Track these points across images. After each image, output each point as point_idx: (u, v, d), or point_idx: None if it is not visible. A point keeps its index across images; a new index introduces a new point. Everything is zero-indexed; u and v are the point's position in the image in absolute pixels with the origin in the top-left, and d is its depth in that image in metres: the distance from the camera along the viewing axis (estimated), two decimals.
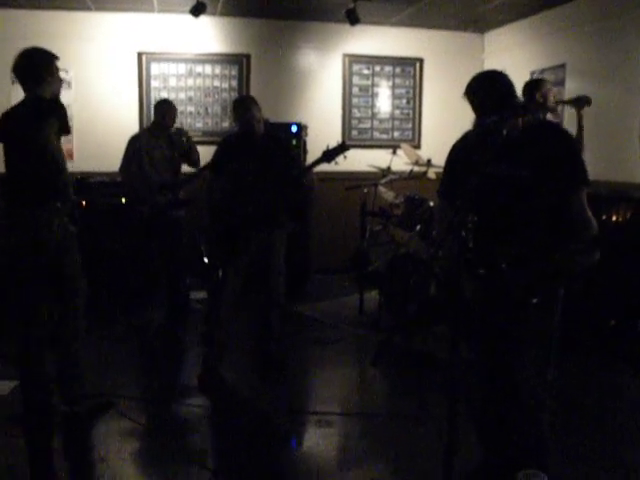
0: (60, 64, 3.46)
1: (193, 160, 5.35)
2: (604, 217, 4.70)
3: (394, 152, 5.90)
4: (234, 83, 7.27)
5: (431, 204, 5.28)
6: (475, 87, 2.49)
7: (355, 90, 7.65)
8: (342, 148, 3.82)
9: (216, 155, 4.34)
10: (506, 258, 2.27)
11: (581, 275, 2.39)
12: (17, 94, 3.41)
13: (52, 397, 3.46)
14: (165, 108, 5.28)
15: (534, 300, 2.30)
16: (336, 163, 3.83)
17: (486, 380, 2.59)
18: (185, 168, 5.39)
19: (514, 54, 7.13)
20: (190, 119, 7.18)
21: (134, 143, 5.20)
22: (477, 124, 2.43)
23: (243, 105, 4.14)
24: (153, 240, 5.27)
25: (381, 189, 5.82)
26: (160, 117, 5.26)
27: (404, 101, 7.75)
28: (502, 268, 2.26)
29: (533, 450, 2.52)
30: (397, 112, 7.72)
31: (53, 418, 3.45)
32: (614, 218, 4.67)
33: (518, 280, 2.29)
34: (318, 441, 3.43)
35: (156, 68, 7.04)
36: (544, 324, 2.44)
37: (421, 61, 7.73)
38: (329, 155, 3.83)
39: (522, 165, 2.36)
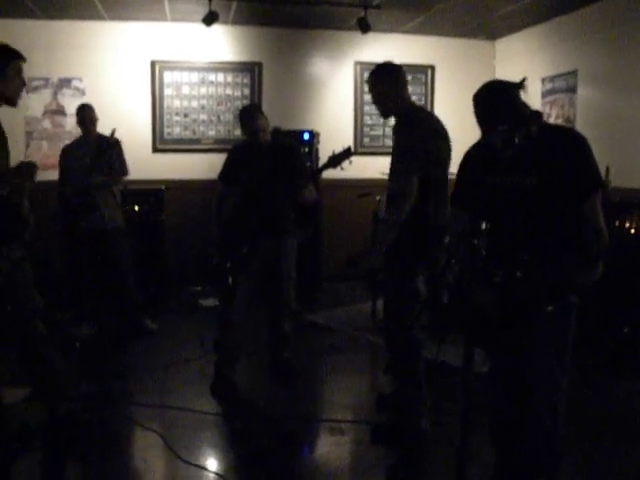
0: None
1: (114, 169, 5.24)
2: (617, 224, 4.68)
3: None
4: (246, 91, 7.30)
5: None
6: (478, 100, 2.48)
7: (367, 98, 7.57)
8: (347, 153, 3.83)
9: (225, 164, 4.36)
10: (520, 266, 2.26)
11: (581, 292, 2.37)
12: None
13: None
14: (81, 114, 5.26)
15: (549, 308, 2.28)
16: (342, 169, 3.83)
17: (501, 391, 2.57)
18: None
19: (525, 61, 7.12)
20: (203, 127, 7.22)
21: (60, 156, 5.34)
22: (487, 134, 2.41)
23: (248, 114, 4.16)
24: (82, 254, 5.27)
25: None
26: (79, 123, 5.28)
27: None
28: (516, 276, 2.24)
29: (544, 460, 2.50)
30: None
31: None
32: (627, 225, 4.65)
33: (532, 288, 2.28)
34: (330, 448, 3.43)
35: (169, 76, 7.09)
36: (560, 332, 2.42)
37: (432, 68, 7.74)
38: (335, 160, 3.83)
39: (533, 172, 2.35)
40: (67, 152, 5.37)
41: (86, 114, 5.23)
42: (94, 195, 5.04)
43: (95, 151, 5.03)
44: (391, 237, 3.32)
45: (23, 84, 3.19)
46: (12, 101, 3.13)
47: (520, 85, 2.45)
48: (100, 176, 5.05)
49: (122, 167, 5.31)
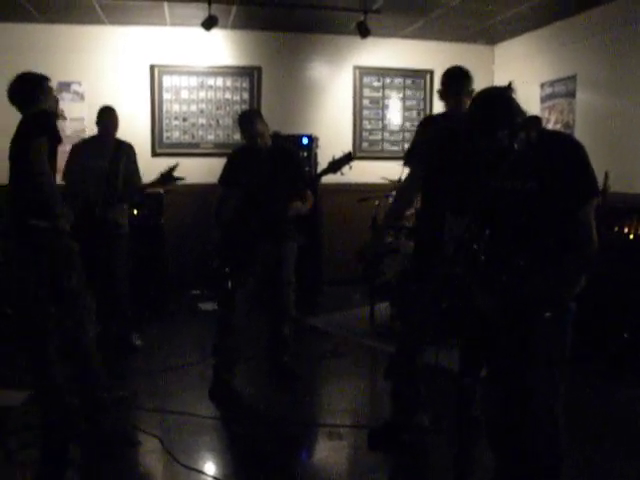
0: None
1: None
2: (616, 229, 4.68)
3: (405, 164, 5.89)
4: (245, 95, 7.31)
5: None
6: (477, 107, 2.48)
7: (366, 102, 7.68)
8: (348, 158, 3.83)
9: (225, 168, 4.37)
10: (517, 271, 2.26)
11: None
12: None
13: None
14: (108, 115, 5.13)
15: (547, 314, 2.28)
16: (342, 174, 3.83)
17: (500, 395, 2.57)
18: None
19: (524, 66, 7.14)
20: (202, 131, 7.23)
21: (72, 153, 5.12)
22: (485, 140, 2.41)
23: (247, 119, 4.17)
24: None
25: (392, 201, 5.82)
26: (102, 127, 5.13)
27: (414, 113, 7.76)
28: (518, 279, 2.24)
29: (545, 463, 2.50)
30: (408, 124, 7.71)
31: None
32: (626, 230, 4.65)
33: (533, 291, 2.28)
34: (329, 453, 3.43)
35: (168, 81, 7.10)
36: (560, 336, 2.42)
37: (431, 73, 7.74)
38: (335, 166, 3.84)
39: (531, 177, 2.35)
40: (80, 150, 5.13)
41: (113, 118, 5.13)
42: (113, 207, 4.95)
43: (113, 155, 5.01)
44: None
45: (56, 99, 3.74)
46: (54, 115, 3.58)
47: (509, 89, 2.44)
48: (116, 181, 4.96)
49: (138, 175, 5.25)
